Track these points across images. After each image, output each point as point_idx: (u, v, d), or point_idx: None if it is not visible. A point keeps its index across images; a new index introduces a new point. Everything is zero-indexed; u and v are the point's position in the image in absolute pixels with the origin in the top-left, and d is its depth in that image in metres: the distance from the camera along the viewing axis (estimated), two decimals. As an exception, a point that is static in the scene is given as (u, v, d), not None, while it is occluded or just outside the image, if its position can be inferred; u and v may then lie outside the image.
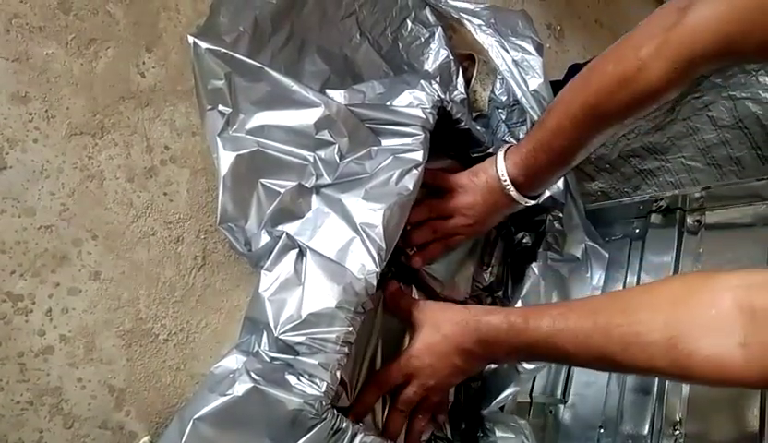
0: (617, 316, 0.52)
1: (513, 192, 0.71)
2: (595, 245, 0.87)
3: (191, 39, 0.64)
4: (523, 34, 0.82)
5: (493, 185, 0.72)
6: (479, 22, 0.81)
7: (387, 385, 0.67)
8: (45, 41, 0.65)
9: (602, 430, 0.72)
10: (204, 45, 0.64)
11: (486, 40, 0.79)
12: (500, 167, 0.71)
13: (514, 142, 0.87)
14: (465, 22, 0.82)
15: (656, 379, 0.72)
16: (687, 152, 0.81)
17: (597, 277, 0.87)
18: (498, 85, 0.88)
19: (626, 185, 0.91)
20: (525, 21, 0.84)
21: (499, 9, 0.85)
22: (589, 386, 0.79)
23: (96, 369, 0.64)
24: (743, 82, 0.71)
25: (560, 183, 0.85)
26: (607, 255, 0.87)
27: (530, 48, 0.80)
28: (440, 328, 0.65)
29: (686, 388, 0.69)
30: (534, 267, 0.82)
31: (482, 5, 0.85)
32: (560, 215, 0.86)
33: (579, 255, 0.87)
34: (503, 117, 0.87)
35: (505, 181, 0.71)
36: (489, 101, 0.90)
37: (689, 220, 0.82)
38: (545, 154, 0.68)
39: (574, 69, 1.06)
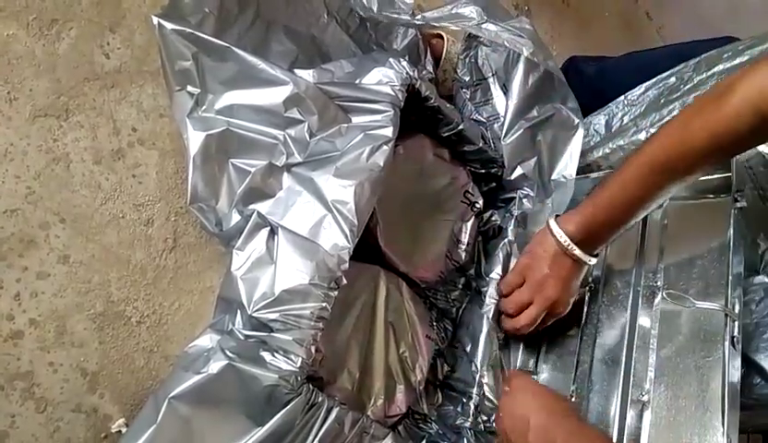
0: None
1: (577, 251, 0.71)
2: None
3: (155, 19, 0.63)
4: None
5: (554, 252, 0.73)
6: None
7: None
8: (5, 21, 0.63)
9: (572, 398, 0.74)
10: (169, 26, 0.63)
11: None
12: (556, 231, 0.72)
13: (483, 121, 0.88)
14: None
15: (624, 350, 0.73)
16: None
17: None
18: (460, 65, 0.88)
19: None
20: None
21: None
22: (560, 357, 0.81)
23: (68, 353, 0.63)
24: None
25: (532, 162, 0.86)
26: None
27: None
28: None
29: (653, 357, 0.71)
30: (507, 243, 0.84)
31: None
32: (531, 193, 0.87)
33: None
34: (467, 97, 0.88)
35: (566, 241, 0.71)
36: (453, 81, 0.90)
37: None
38: (604, 212, 0.69)
39: (572, 61, 1.08)
